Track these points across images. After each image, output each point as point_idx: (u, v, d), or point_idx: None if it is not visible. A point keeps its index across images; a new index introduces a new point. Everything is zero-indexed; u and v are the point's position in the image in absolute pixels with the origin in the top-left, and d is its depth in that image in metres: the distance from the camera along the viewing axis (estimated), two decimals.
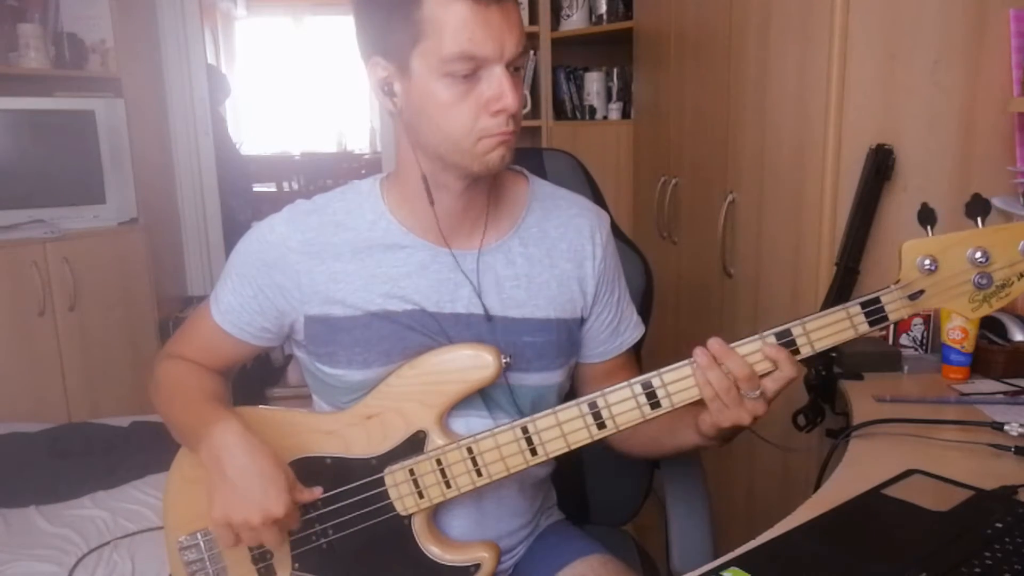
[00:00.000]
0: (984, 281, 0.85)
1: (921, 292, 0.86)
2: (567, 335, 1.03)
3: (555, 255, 1.02)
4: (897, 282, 0.87)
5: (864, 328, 0.87)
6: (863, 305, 0.86)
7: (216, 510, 0.89)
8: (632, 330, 1.12)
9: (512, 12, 0.87)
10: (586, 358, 1.09)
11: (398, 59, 0.88)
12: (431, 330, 0.97)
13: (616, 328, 1.09)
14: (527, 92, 3.31)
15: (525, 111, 3.26)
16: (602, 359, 1.09)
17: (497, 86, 0.86)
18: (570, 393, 1.08)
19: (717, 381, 0.85)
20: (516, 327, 0.99)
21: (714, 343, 0.86)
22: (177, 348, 1.09)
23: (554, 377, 1.03)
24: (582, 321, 1.06)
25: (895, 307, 0.86)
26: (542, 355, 1.01)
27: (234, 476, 0.88)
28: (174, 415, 1.01)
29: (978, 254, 0.85)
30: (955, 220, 0.93)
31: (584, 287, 1.04)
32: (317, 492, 0.95)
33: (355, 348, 0.97)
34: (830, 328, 0.86)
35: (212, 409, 0.96)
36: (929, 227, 0.88)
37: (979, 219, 0.86)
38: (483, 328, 0.98)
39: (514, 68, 0.88)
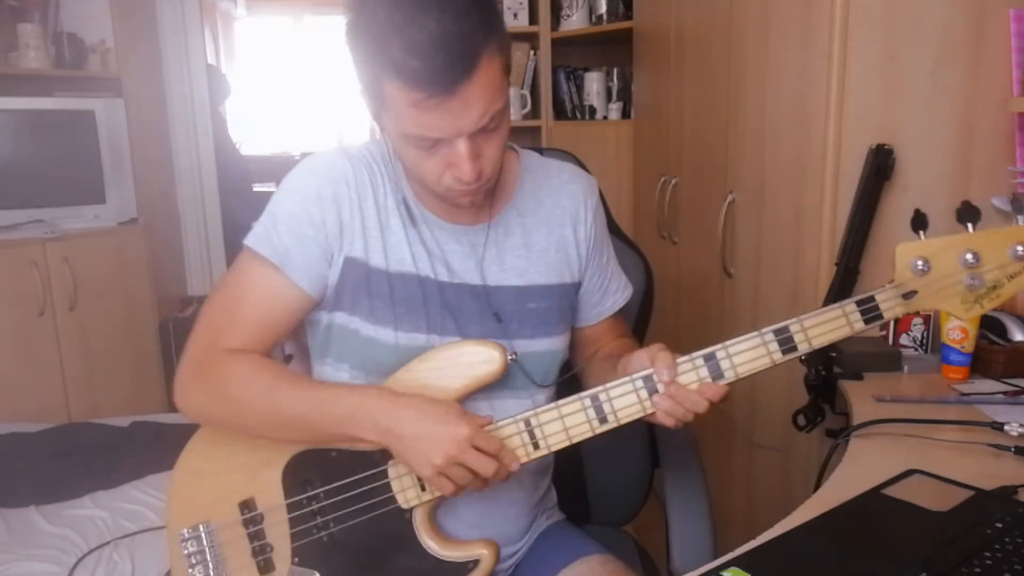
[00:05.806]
0: (975, 282, 0.88)
1: (914, 292, 0.89)
2: (567, 300, 1.08)
3: (551, 222, 1.06)
4: (891, 282, 0.89)
5: (860, 326, 0.89)
6: (859, 304, 0.89)
7: (421, 469, 0.89)
8: (622, 290, 1.15)
9: (474, 88, 0.83)
10: (582, 322, 1.12)
11: (373, 108, 0.91)
12: (441, 302, 0.99)
13: (607, 288, 1.12)
14: (526, 93, 3.31)
15: (525, 111, 3.30)
16: (596, 320, 1.13)
17: (455, 158, 0.88)
18: (566, 364, 1.10)
19: (679, 414, 0.90)
20: (519, 295, 1.02)
21: (665, 375, 0.89)
22: (224, 341, 0.98)
23: (558, 343, 1.07)
24: (578, 286, 1.09)
25: (889, 306, 0.89)
26: (546, 321, 1.04)
27: (411, 431, 0.89)
28: (280, 409, 0.95)
29: (969, 256, 0.88)
30: (955, 220, 0.93)
31: (579, 251, 1.08)
32: (485, 419, 0.93)
33: (376, 302, 0.98)
34: (827, 326, 0.89)
35: (334, 391, 0.96)
36: (922, 232, 0.90)
37: (969, 224, 0.89)
38: (490, 298, 1.01)
39: (484, 130, 0.87)
